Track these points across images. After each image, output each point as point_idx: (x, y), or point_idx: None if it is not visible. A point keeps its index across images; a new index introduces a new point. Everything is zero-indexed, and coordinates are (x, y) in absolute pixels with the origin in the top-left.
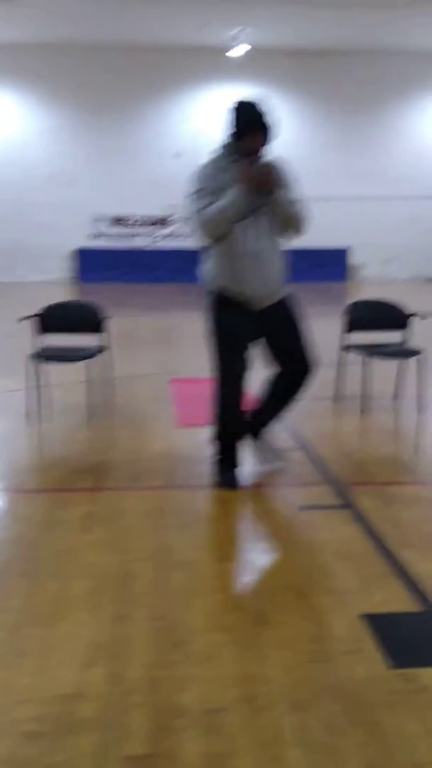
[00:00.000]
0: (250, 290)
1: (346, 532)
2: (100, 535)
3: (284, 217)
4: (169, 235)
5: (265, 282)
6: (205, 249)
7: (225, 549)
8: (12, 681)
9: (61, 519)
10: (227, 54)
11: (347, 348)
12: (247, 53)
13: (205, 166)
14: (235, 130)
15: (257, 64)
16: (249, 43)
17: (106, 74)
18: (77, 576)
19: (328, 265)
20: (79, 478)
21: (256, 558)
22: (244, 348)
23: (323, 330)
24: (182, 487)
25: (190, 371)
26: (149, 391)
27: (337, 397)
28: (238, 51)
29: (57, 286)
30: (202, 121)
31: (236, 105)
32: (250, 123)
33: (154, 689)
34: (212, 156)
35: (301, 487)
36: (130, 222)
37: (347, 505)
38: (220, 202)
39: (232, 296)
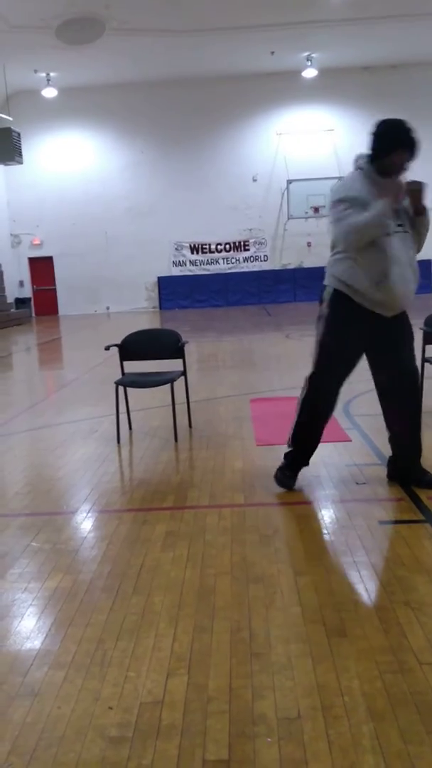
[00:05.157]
0: (391, 297)
1: (426, 546)
2: (181, 552)
3: (422, 235)
4: (248, 259)
5: (406, 291)
6: (340, 252)
7: (303, 563)
8: (98, 690)
9: (144, 537)
10: (302, 74)
11: (428, 360)
12: (319, 73)
13: (351, 178)
14: (381, 146)
15: (329, 83)
16: (319, 64)
17: (180, 108)
18: (159, 591)
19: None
20: (161, 497)
21: (334, 572)
22: (348, 361)
23: None
24: (261, 504)
25: (270, 391)
26: (230, 412)
27: None
28: (310, 72)
29: (140, 315)
30: (276, 143)
31: (382, 122)
32: (397, 140)
33: (232, 698)
34: (357, 169)
35: (381, 502)
36: (208, 248)
37: (428, 519)
38: (368, 214)
39: (363, 302)
